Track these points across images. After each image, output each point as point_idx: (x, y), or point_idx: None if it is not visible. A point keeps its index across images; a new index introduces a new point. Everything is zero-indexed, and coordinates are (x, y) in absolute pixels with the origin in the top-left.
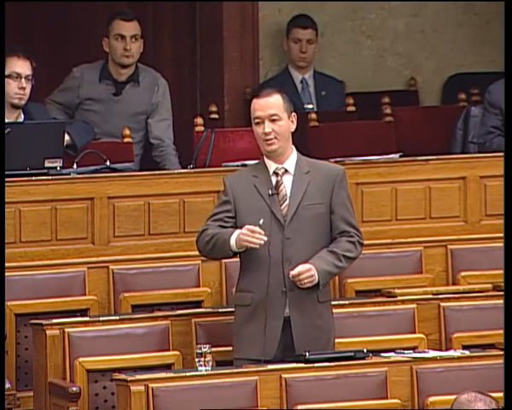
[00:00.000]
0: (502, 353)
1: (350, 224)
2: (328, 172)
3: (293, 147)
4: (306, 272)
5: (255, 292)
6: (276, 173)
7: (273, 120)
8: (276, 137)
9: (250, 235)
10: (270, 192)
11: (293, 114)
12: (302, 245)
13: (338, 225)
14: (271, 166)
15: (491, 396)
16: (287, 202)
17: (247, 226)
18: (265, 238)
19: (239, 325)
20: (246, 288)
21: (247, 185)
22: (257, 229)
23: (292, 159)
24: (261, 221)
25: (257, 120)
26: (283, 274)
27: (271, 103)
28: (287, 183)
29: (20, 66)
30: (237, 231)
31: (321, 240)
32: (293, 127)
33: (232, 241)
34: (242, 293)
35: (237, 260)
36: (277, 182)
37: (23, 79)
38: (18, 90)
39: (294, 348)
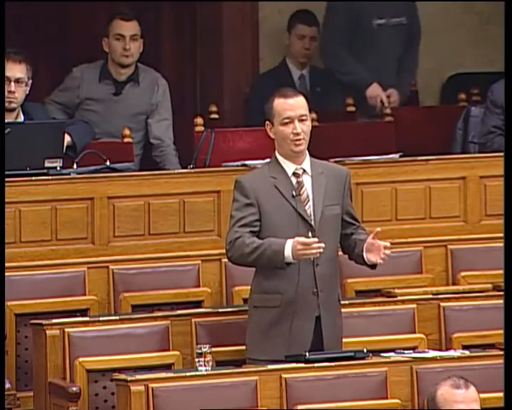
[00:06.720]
0: (502, 353)
1: (358, 221)
2: (337, 173)
3: None
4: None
5: (284, 293)
6: (295, 174)
7: (302, 120)
8: (303, 138)
9: (306, 248)
10: (293, 193)
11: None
12: (328, 245)
13: (353, 222)
14: (289, 166)
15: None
16: (310, 202)
17: (298, 240)
18: (323, 245)
19: (264, 326)
20: (273, 289)
21: (267, 186)
22: (311, 240)
23: (307, 160)
24: (310, 234)
25: (286, 120)
26: (314, 275)
27: (301, 104)
28: (306, 184)
29: (9, 69)
30: (289, 242)
31: (337, 239)
32: (310, 127)
33: (287, 253)
34: (268, 295)
35: None
36: (299, 183)
37: (12, 83)
38: (7, 93)
39: (323, 347)
